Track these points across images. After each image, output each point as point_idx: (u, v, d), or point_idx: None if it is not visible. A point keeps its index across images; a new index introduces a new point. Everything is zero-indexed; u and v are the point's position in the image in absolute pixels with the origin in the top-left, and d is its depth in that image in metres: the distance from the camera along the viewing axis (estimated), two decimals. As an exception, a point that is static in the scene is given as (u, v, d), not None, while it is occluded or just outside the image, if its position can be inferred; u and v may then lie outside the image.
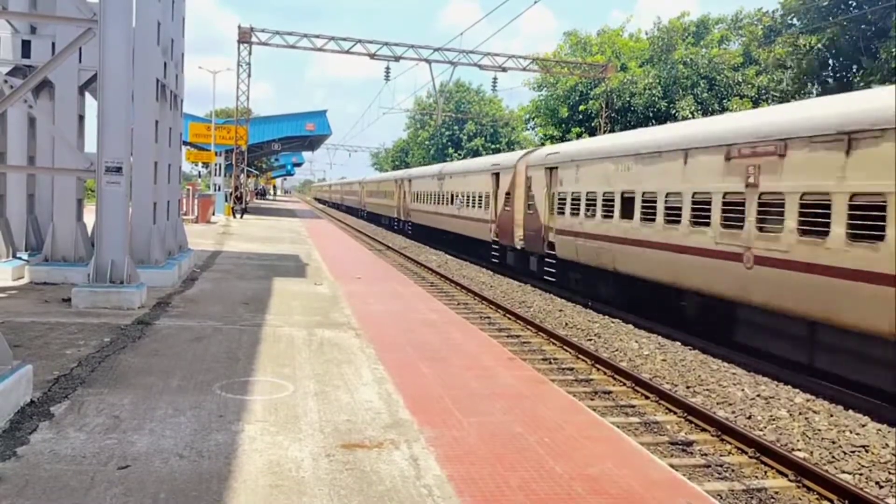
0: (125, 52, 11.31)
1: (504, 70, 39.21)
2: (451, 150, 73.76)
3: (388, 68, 38.44)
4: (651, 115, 38.12)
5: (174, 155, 16.54)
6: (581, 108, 42.47)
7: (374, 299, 13.55)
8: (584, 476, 5.31)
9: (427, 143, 79.67)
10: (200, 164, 49.86)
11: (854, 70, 26.80)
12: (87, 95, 14.55)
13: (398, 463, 5.32)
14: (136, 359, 8.01)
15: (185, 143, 41.85)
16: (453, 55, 37.92)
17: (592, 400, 10.21)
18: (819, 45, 26.26)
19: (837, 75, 27.59)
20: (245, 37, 37.65)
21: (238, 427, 5.91)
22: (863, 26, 25.41)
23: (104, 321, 9.96)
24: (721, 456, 8.19)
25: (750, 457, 8.11)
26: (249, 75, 39.65)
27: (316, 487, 4.82)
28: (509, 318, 16.28)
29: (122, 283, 11.19)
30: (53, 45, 13.46)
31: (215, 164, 44.09)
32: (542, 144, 43.15)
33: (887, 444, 8.20)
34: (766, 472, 7.76)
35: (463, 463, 5.40)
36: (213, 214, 36.21)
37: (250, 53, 38.97)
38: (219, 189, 43.61)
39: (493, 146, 70.15)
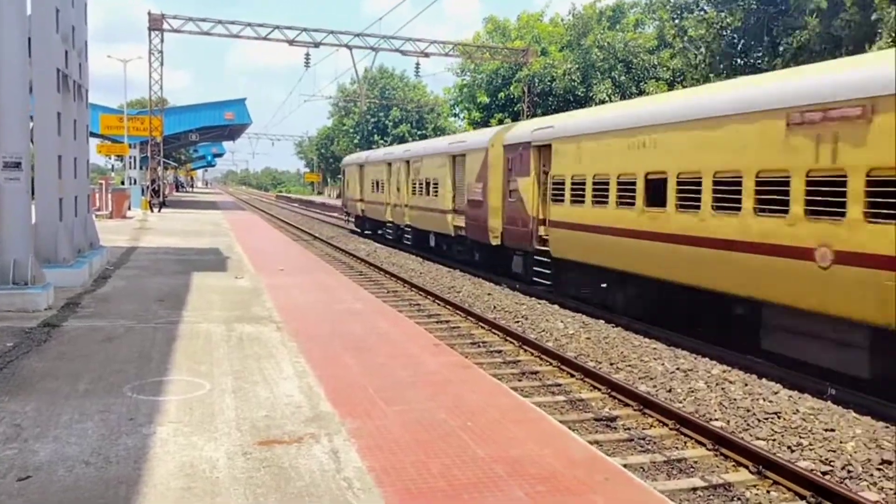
0: (20, 41, 10.70)
1: (426, 55, 39.07)
2: (376, 137, 73.16)
3: (307, 55, 37.73)
4: (571, 98, 38.67)
5: (81, 148, 15.78)
6: (501, 94, 42.69)
7: (297, 291, 13.29)
8: (505, 458, 5.31)
9: (352, 130, 78.74)
10: (114, 157, 47.85)
11: (761, 52, 27.81)
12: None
13: (318, 457, 5.19)
14: (40, 363, 7.59)
15: (96, 136, 40.16)
16: (374, 41, 37.55)
17: (520, 381, 10.30)
18: (727, 25, 27.07)
19: (747, 56, 28.56)
20: (156, 24, 36.28)
21: (149, 429, 5.67)
22: (769, 7, 26.30)
23: (7, 325, 9.41)
24: (643, 429, 8.38)
25: (671, 429, 8.33)
26: (162, 64, 38.24)
27: (231, 487, 4.66)
28: (439, 304, 16.27)
29: (25, 284, 10.62)
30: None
31: (130, 157, 42.41)
32: (472, 129, 43.16)
33: (798, 410, 8.56)
34: (685, 443, 7.99)
35: (384, 453, 5.32)
36: (129, 209, 34.84)
37: (162, 41, 37.60)
38: (134, 182, 42.01)
39: (418, 132, 69.93)
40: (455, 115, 54.32)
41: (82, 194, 15.79)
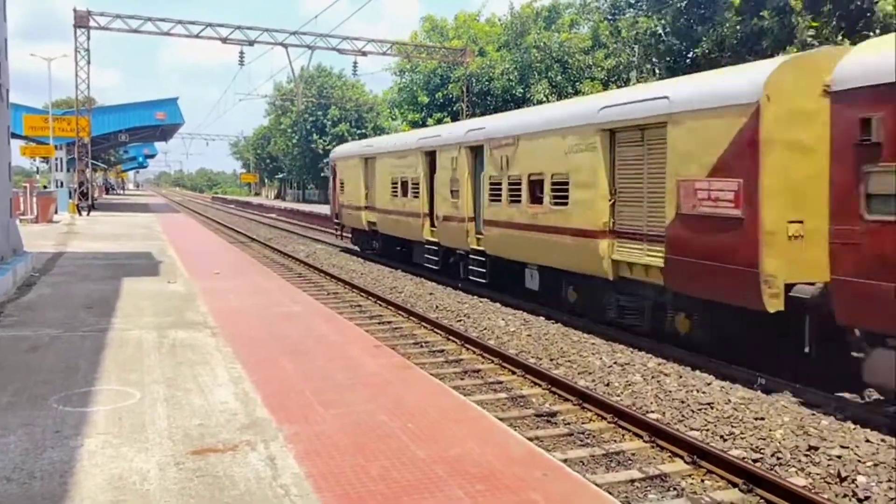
0: (-70, 36, 10.15)
1: (364, 54, 38.78)
2: (315, 136, 72.31)
3: (241, 53, 36.96)
4: (509, 98, 38.96)
5: (2, 150, 15.12)
6: (439, 94, 42.68)
7: (233, 295, 13.00)
8: (445, 458, 5.30)
9: (289, 130, 77.63)
10: (39, 159, 46.00)
11: (688, 54, 28.58)
12: None
13: (254, 465, 5.08)
14: (-42, 377, 7.21)
15: (19, 137, 38.53)
16: (311, 39, 37.07)
17: (462, 380, 10.30)
18: (656, 28, 27.74)
19: (677, 58, 29.29)
20: (82, 21, 34.93)
21: (76, 442, 5.45)
22: (697, 9, 27.05)
23: (-79, 337, 8.92)
24: (583, 424, 8.49)
25: (609, 422, 8.45)
26: (89, 62, 36.92)
27: (162, 499, 4.51)
28: (380, 305, 16.16)
29: (-59, 293, 10.08)
30: None
31: (56, 159, 40.82)
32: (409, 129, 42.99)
33: (730, 400, 8.81)
34: (623, 436, 8.12)
35: (322, 457, 5.24)
36: (56, 213, 33.53)
37: (89, 38, 36.31)
38: (61, 185, 40.46)
39: (358, 132, 69.43)
40: (393, 118, 54.10)
41: (4, 198, 15.12)
